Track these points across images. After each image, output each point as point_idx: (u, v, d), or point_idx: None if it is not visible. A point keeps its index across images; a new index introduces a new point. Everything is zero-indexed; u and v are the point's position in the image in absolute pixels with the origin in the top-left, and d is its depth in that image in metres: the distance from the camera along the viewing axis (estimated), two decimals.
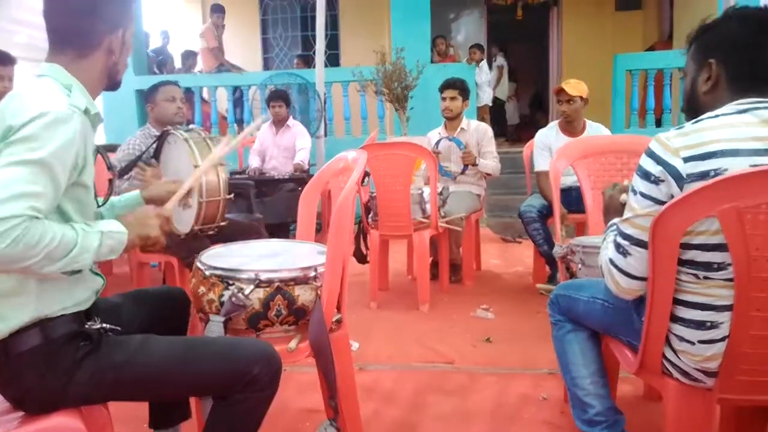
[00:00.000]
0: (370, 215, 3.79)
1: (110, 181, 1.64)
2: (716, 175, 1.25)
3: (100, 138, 6.52)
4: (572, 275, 2.16)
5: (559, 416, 2.16)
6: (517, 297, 3.70)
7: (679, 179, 1.29)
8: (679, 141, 1.31)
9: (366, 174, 3.80)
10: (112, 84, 1.46)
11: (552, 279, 3.64)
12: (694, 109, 1.46)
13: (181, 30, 9.47)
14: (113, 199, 1.68)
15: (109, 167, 1.71)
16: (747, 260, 1.25)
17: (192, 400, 1.78)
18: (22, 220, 1.12)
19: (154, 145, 2.91)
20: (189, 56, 7.92)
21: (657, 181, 1.33)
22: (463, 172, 4.07)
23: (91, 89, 1.39)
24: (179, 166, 2.70)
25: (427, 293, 3.56)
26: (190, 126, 2.96)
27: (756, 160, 1.25)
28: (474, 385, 2.47)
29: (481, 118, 7.44)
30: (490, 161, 4.11)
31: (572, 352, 1.75)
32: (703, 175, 1.26)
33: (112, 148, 3.06)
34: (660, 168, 1.32)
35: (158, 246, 1.46)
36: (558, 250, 2.10)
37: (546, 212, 3.63)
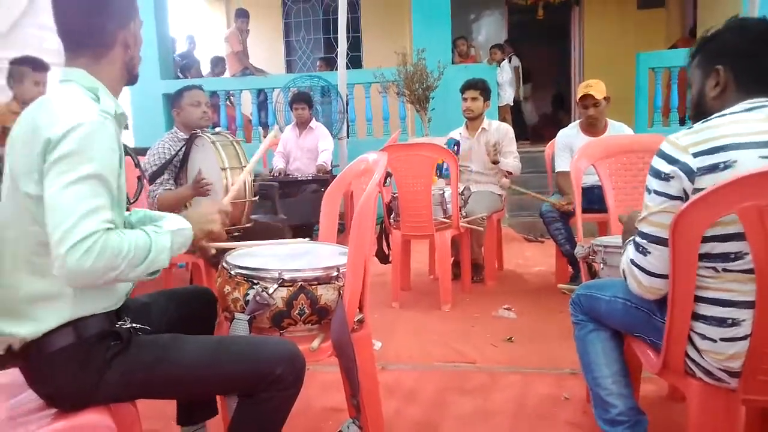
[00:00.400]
0: (392, 215, 3.81)
1: (138, 178, 1.69)
2: (725, 167, 1.29)
3: (129, 140, 6.64)
4: (594, 275, 2.15)
5: (581, 416, 2.15)
6: (539, 297, 3.69)
7: (690, 174, 1.33)
8: (688, 139, 1.36)
9: (388, 174, 3.82)
10: (131, 78, 1.48)
11: (574, 279, 3.62)
12: (702, 113, 1.50)
13: (207, 34, 9.61)
14: (150, 212, 1.63)
15: (137, 165, 1.75)
16: None
17: (218, 398, 1.82)
18: (99, 235, 1.18)
19: (183, 149, 2.98)
20: (218, 62, 8.03)
21: (668, 178, 1.37)
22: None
23: (113, 88, 1.41)
24: (208, 169, 2.76)
25: (448, 293, 3.57)
26: (217, 129, 3.02)
27: (764, 152, 1.28)
28: (495, 384, 2.48)
29: (502, 118, 7.43)
30: (510, 160, 4.11)
31: (594, 352, 1.74)
32: (713, 168, 1.30)
33: (141, 151, 3.12)
34: (671, 167, 1.36)
35: (222, 238, 1.52)
36: (580, 250, 2.10)
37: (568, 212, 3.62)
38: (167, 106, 7.03)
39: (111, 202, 1.25)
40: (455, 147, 4.08)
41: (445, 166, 3.83)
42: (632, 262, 1.49)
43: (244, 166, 2.72)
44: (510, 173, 4.15)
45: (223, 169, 2.63)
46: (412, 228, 3.69)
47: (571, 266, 3.72)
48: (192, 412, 1.82)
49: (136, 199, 1.63)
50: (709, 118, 1.40)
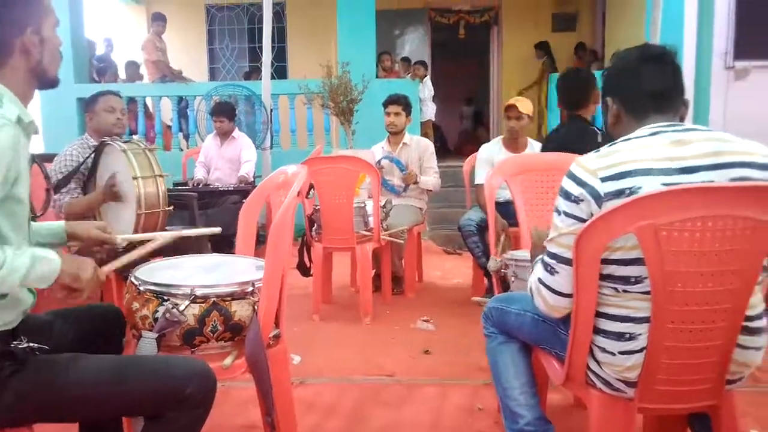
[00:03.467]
0: (314, 228, 3.80)
1: (47, 191, 1.60)
2: (631, 193, 1.34)
3: (38, 147, 6.28)
4: (508, 288, 2.22)
5: (493, 426, 2.22)
6: (456, 308, 3.77)
7: (598, 198, 1.37)
8: (596, 163, 1.40)
9: (311, 186, 3.82)
10: (46, 82, 1.41)
11: (490, 291, 3.73)
12: (611, 138, 1.57)
13: (126, 38, 9.26)
14: (36, 225, 1.56)
15: (46, 176, 1.66)
16: (662, 275, 1.33)
17: (125, 421, 1.74)
18: None
19: (92, 156, 2.85)
20: (131, 66, 7.75)
21: (577, 200, 1.41)
22: (405, 190, 4.17)
23: (21, 95, 1.35)
24: (118, 179, 2.66)
25: (369, 305, 3.59)
26: (134, 138, 2.91)
27: (667, 179, 1.34)
28: (412, 396, 2.51)
29: (424, 133, 7.56)
30: (431, 177, 4.21)
31: (504, 364, 1.80)
32: (619, 193, 1.35)
33: (49, 157, 2.95)
34: (580, 189, 1.40)
35: (81, 296, 1.36)
36: (492, 264, 2.17)
37: (485, 225, 3.71)
38: (81, 110, 6.72)
39: None
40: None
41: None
42: (540, 281, 1.53)
43: (158, 175, 2.64)
44: (430, 190, 4.24)
45: (135, 178, 2.53)
46: (334, 240, 3.69)
47: (487, 279, 3.82)
48: None
49: (43, 214, 1.54)
50: (616, 141, 1.46)
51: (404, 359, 2.94)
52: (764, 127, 6.57)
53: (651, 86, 1.49)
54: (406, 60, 8.67)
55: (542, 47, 8.62)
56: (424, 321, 3.51)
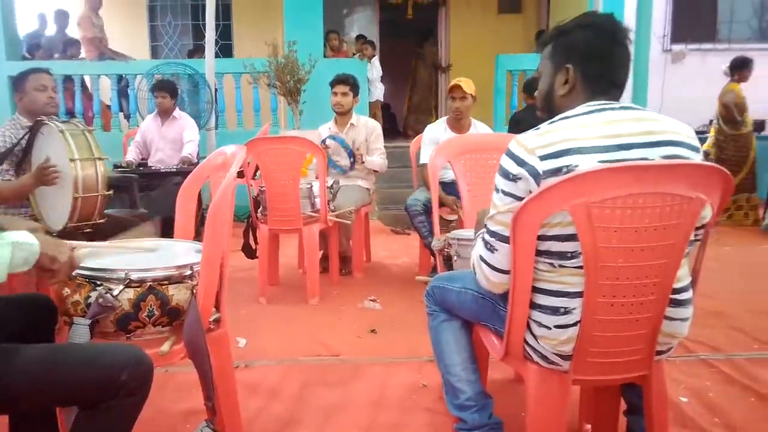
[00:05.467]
0: (260, 210, 3.75)
1: None
2: (568, 171, 1.36)
3: None
4: (451, 267, 2.25)
5: (438, 402, 2.24)
6: (403, 287, 3.80)
7: (536, 176, 1.38)
8: (535, 141, 1.41)
9: (257, 168, 3.76)
10: None
11: (436, 270, 3.77)
12: (550, 109, 1.56)
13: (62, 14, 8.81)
14: None
15: None
16: (594, 250, 1.36)
17: (58, 411, 1.69)
18: None
19: (27, 137, 2.72)
20: (71, 44, 7.39)
21: (516, 179, 1.42)
22: (351, 168, 4.14)
23: None
24: (56, 159, 2.54)
25: (316, 286, 3.58)
26: (73, 118, 2.79)
27: (603, 157, 1.36)
28: (358, 375, 2.52)
29: (372, 114, 7.53)
30: (377, 158, 4.20)
31: (446, 341, 1.83)
32: (557, 171, 1.36)
33: None
34: (519, 168, 1.41)
35: (57, 277, 1.36)
36: (436, 243, 2.19)
37: (431, 205, 3.74)
38: (12, 89, 6.39)
39: None
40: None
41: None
42: (480, 258, 1.55)
43: (97, 158, 2.55)
44: (377, 171, 4.24)
45: (73, 160, 2.43)
46: (280, 222, 3.65)
47: (434, 258, 3.86)
48: (28, 430, 1.67)
49: None
50: (555, 119, 1.45)
51: (351, 339, 2.95)
52: (698, 108, 6.88)
53: (617, 76, 1.49)
54: (362, 37, 8.53)
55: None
56: (371, 301, 3.52)
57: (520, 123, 4.26)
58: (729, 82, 6.05)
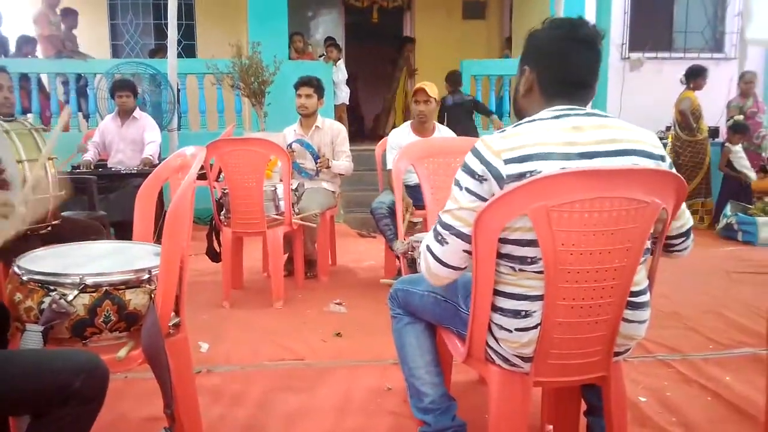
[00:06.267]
0: (223, 212, 3.70)
1: None
2: (531, 176, 1.36)
3: None
4: (415, 270, 2.25)
5: (402, 405, 2.24)
6: (369, 291, 3.80)
7: (500, 179, 1.39)
8: (501, 144, 1.41)
9: (220, 170, 3.71)
10: None
11: (400, 273, 3.78)
12: (517, 111, 1.59)
13: (18, 10, 8.56)
14: None
15: None
16: (554, 254, 1.38)
17: (11, 420, 1.63)
18: None
19: None
20: (25, 42, 7.18)
21: (481, 179, 1.41)
22: (317, 174, 4.13)
23: None
24: (3, 161, 2.46)
25: (280, 290, 3.55)
26: (27, 118, 2.70)
27: (565, 164, 1.37)
28: (323, 379, 2.51)
29: (338, 117, 7.51)
30: (343, 161, 4.20)
31: (409, 344, 1.83)
32: (521, 176, 1.37)
33: None
34: (483, 168, 1.41)
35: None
36: (399, 246, 2.18)
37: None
38: None
39: None
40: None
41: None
42: (428, 248, 1.52)
43: (50, 158, 2.47)
44: (342, 174, 4.23)
45: (20, 161, 2.36)
46: (244, 225, 3.61)
47: (398, 261, 3.87)
48: None
49: None
50: (520, 122, 1.46)
51: (315, 343, 2.93)
52: (656, 114, 7.06)
53: (572, 76, 1.48)
54: (330, 39, 8.48)
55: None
56: (337, 304, 3.51)
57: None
58: (685, 90, 6.24)
